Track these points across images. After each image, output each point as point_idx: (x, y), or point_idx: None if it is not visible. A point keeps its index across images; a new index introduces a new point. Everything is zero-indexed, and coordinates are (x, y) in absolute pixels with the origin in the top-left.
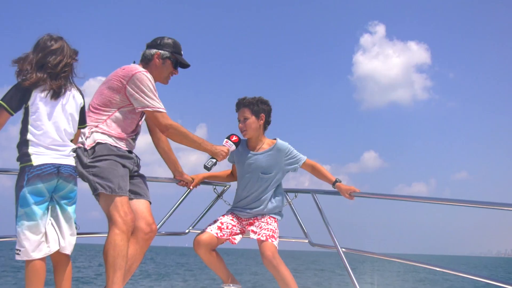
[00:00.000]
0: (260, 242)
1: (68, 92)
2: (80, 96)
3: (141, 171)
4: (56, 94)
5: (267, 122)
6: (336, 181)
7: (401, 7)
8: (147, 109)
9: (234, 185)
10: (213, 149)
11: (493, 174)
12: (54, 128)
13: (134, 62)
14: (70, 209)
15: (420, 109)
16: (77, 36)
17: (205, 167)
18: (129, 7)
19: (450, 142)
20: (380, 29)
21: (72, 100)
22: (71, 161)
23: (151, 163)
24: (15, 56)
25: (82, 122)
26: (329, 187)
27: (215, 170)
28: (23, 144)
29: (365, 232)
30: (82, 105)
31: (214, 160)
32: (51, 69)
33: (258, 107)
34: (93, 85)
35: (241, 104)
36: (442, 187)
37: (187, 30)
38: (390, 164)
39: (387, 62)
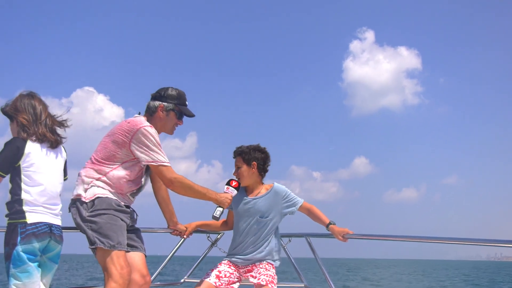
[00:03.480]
0: (259, 286)
1: (58, 148)
2: (64, 151)
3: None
4: (53, 146)
5: (262, 170)
6: (329, 223)
7: (389, 13)
8: (152, 163)
9: (228, 233)
10: (217, 197)
11: (483, 178)
12: (48, 186)
13: (139, 113)
14: (54, 270)
15: (410, 114)
16: (65, 46)
17: (214, 218)
18: (117, 17)
19: (440, 146)
20: (370, 35)
21: (60, 156)
22: (60, 222)
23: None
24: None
25: (64, 175)
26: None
27: (206, 220)
28: (16, 202)
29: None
30: (65, 159)
31: (221, 209)
32: (44, 123)
33: (250, 156)
34: (81, 95)
35: (235, 153)
36: (432, 192)
37: (177, 39)
38: (381, 170)
39: (378, 68)
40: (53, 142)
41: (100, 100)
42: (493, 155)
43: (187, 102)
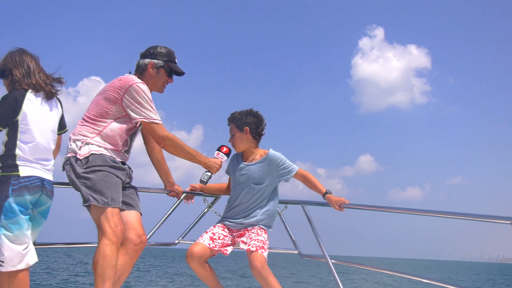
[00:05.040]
0: (249, 252)
1: (53, 100)
2: (60, 105)
3: (138, 171)
4: (48, 98)
5: (256, 134)
6: (326, 193)
7: (399, 10)
8: (144, 120)
9: (224, 196)
10: (207, 161)
11: (489, 179)
12: (42, 141)
13: (130, 72)
14: (42, 225)
15: (418, 113)
16: (72, 37)
17: (201, 182)
18: (124, 5)
19: (447, 146)
20: (379, 33)
21: (56, 109)
22: (52, 177)
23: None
24: None
25: (62, 128)
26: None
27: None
28: (9, 156)
29: (356, 240)
30: (61, 114)
31: (209, 174)
32: (34, 75)
33: (242, 121)
34: (87, 84)
35: (229, 120)
36: (437, 192)
37: (184, 31)
38: (386, 168)
39: (387, 66)
40: (48, 93)
41: None
42: (500, 157)
43: (176, 60)
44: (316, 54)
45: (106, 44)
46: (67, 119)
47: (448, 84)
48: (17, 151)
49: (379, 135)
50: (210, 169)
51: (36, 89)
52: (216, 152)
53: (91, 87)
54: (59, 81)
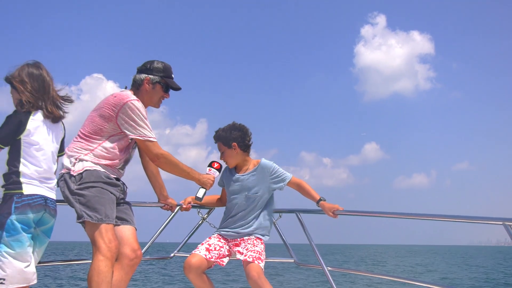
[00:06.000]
0: (246, 263)
1: (59, 123)
2: (63, 127)
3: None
4: (55, 121)
5: (244, 146)
6: (320, 200)
7: None
8: (139, 138)
9: (218, 208)
10: (200, 178)
11: (495, 164)
12: (46, 161)
13: (126, 88)
14: (46, 244)
15: (422, 100)
16: (73, 34)
17: (197, 198)
18: (126, 3)
19: (452, 132)
20: (381, 20)
21: (59, 132)
22: (55, 196)
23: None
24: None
25: (61, 151)
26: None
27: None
28: (13, 173)
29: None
30: (63, 136)
31: (204, 190)
32: (47, 96)
33: (228, 138)
34: (90, 82)
35: (214, 138)
36: (443, 178)
37: (188, 24)
38: (391, 156)
39: (390, 53)
40: (56, 117)
41: (110, 87)
42: (505, 141)
43: (173, 75)
44: (318, 44)
45: (107, 42)
46: (72, 118)
47: (452, 70)
48: (21, 168)
49: (384, 122)
50: (204, 185)
51: (47, 116)
52: (208, 168)
53: (94, 85)
54: (69, 100)
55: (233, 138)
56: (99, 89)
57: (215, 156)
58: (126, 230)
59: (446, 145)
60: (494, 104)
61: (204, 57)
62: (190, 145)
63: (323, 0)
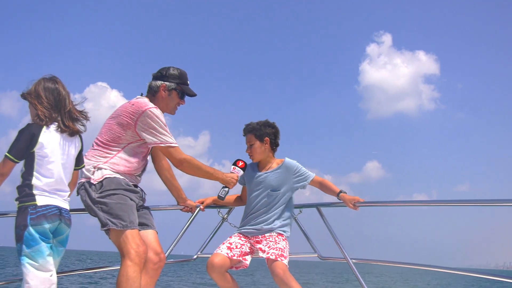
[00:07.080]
0: (269, 261)
1: (75, 137)
2: (80, 141)
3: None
4: (71, 135)
5: (274, 144)
6: (340, 192)
7: (407, 16)
8: (161, 145)
9: (238, 208)
10: (224, 177)
11: (497, 187)
12: (60, 173)
13: (141, 95)
14: (62, 254)
15: (426, 120)
16: (77, 42)
17: (219, 197)
18: (131, 12)
19: (455, 153)
20: (387, 39)
21: (75, 145)
22: (68, 206)
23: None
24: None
25: (78, 163)
26: (333, 199)
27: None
28: (26, 186)
29: (370, 240)
30: (80, 149)
31: (226, 189)
32: (63, 109)
33: (262, 132)
34: (94, 91)
35: (246, 130)
36: (443, 199)
37: (191, 36)
38: (393, 175)
39: (395, 72)
40: (73, 132)
41: (114, 96)
42: (508, 165)
43: (188, 82)
44: (324, 60)
45: (111, 50)
46: None
47: (456, 90)
48: (34, 181)
49: (386, 141)
50: (228, 184)
51: (62, 130)
52: (232, 166)
53: (98, 93)
54: (83, 116)
55: (266, 133)
56: (103, 98)
57: (216, 168)
58: (148, 234)
59: (448, 166)
60: (498, 126)
61: (208, 70)
62: (192, 156)
63: (330, 17)
